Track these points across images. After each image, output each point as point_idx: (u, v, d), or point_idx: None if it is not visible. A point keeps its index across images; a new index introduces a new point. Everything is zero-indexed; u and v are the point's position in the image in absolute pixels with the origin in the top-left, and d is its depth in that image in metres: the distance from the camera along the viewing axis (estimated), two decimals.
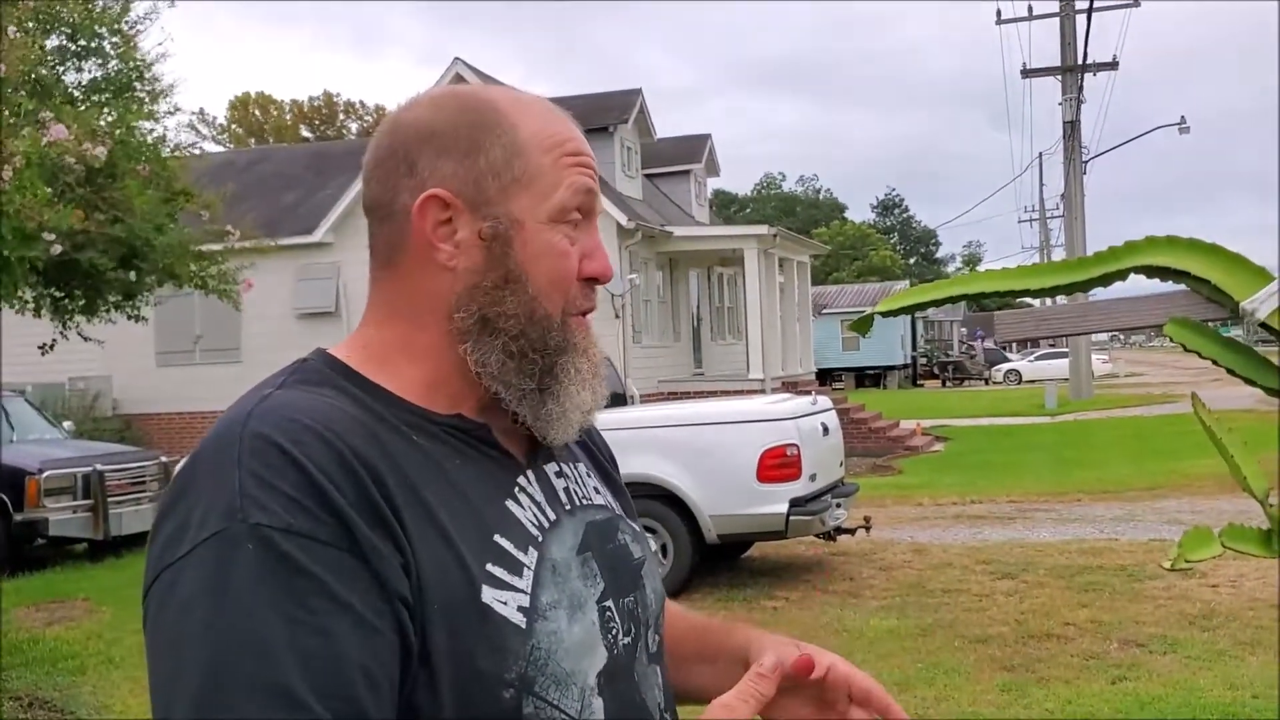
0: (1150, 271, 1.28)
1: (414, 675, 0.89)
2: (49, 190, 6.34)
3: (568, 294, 1.03)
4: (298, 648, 0.83)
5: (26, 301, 7.39)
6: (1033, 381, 40.84)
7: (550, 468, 1.08)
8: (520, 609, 0.94)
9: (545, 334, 1.02)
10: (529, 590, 0.95)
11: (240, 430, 0.91)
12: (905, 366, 46.45)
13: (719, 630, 1.24)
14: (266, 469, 0.88)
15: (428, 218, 1.01)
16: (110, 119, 7.14)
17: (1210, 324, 1.26)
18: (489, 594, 0.93)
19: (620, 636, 1.02)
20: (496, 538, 0.96)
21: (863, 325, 1.51)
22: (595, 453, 1.22)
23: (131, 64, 8.33)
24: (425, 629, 0.89)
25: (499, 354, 1.01)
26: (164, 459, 11.64)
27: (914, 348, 48.04)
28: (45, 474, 10.21)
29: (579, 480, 1.11)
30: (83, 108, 7.45)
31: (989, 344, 51.08)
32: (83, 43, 8.19)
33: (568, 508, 1.06)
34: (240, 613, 0.83)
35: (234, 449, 0.89)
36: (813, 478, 8.13)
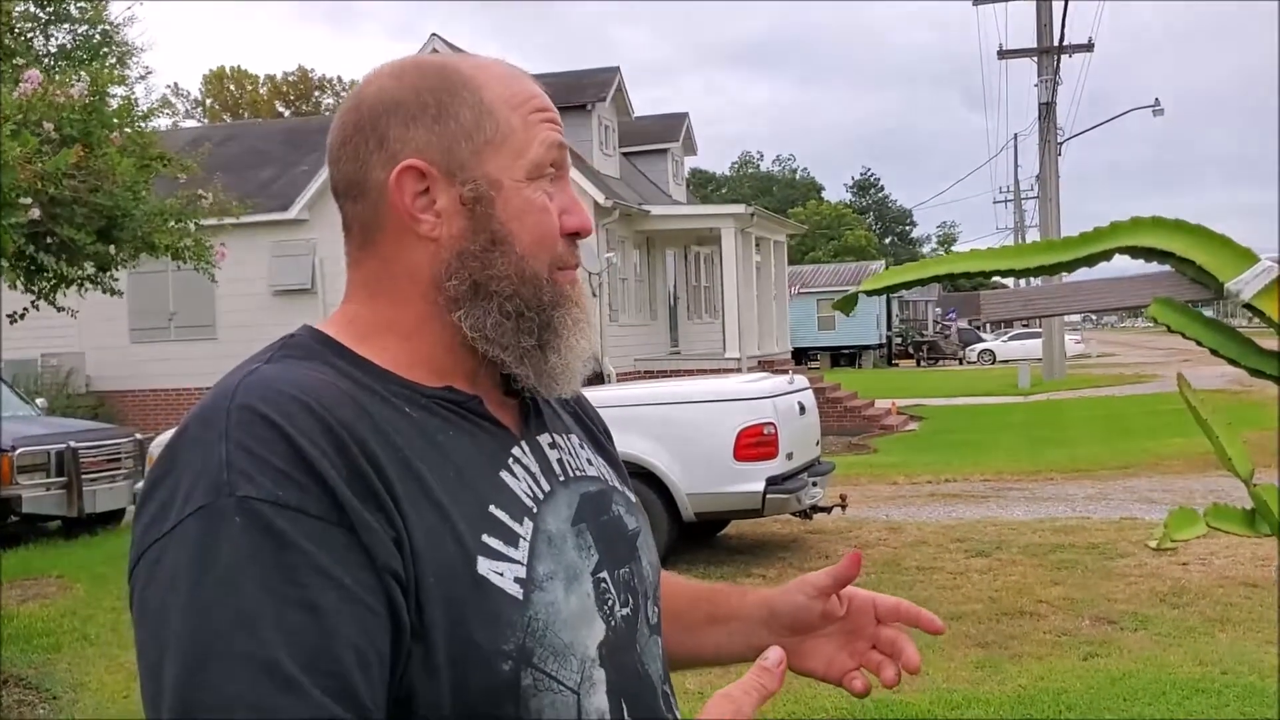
0: (1135, 252, 1.29)
1: (408, 652, 0.87)
2: (36, 140, 6.26)
3: (554, 250, 1.03)
4: (285, 623, 0.81)
5: (2, 269, 7.30)
6: (1006, 361, 41.10)
7: (544, 439, 1.07)
8: (517, 580, 0.93)
9: (538, 291, 1.01)
10: (525, 561, 0.94)
11: (227, 404, 0.89)
12: (880, 346, 46.62)
13: (732, 592, 1.26)
14: (254, 441, 0.86)
15: (405, 190, 0.99)
16: (82, 84, 7.03)
17: (1193, 305, 1.28)
18: (484, 565, 0.91)
19: (618, 608, 1.01)
20: (492, 509, 0.95)
21: (847, 304, 1.51)
22: (589, 425, 1.21)
23: (99, 27, 8.23)
24: (420, 603, 0.88)
25: (495, 316, 1.00)
26: (138, 436, 11.55)
27: (889, 327, 48.20)
28: (18, 451, 10.11)
29: (572, 452, 1.10)
30: (56, 77, 7.35)
31: (963, 324, 51.35)
32: (50, 7, 8.07)
33: (561, 479, 1.05)
34: (226, 587, 0.81)
35: (220, 422, 0.88)
36: (789, 456, 8.16)
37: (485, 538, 0.93)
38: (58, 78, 7.15)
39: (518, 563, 0.94)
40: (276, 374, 0.93)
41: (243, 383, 0.92)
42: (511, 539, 0.95)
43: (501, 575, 0.92)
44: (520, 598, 0.92)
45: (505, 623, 0.91)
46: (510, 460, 1.01)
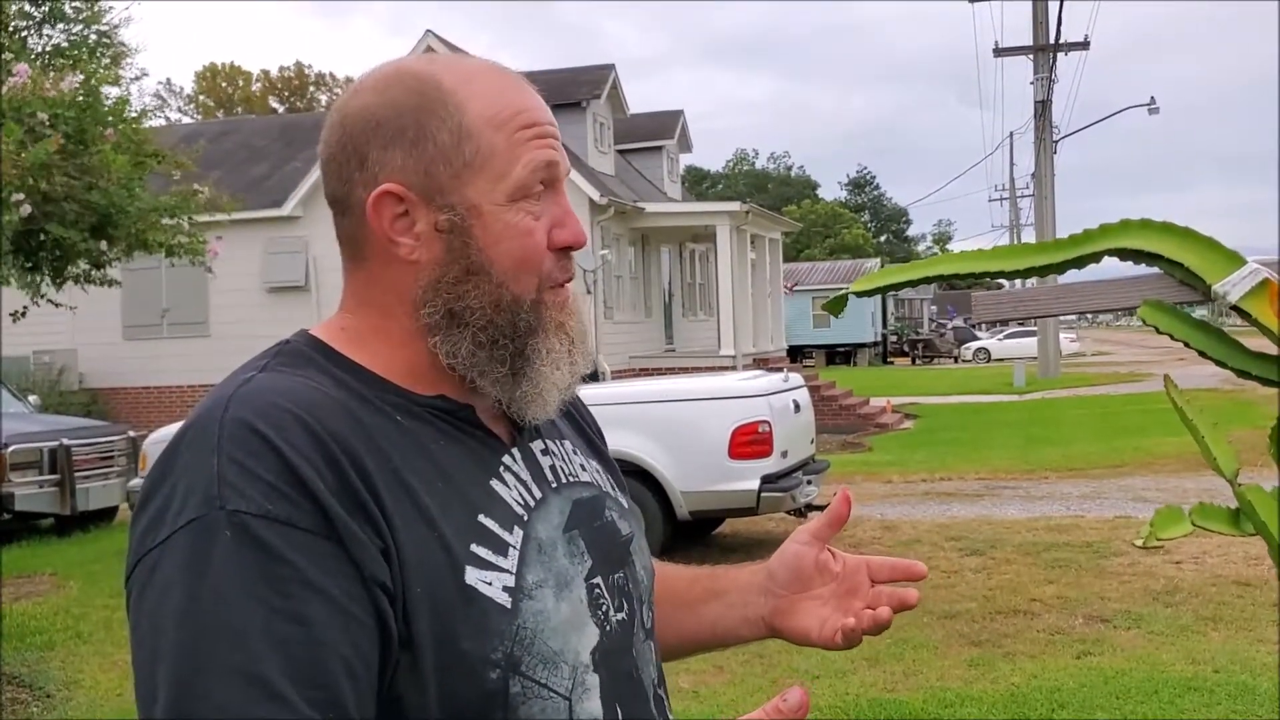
0: (1124, 254, 1.29)
1: (395, 662, 0.88)
2: (20, 128, 6.25)
3: (540, 270, 1.01)
4: (274, 635, 0.82)
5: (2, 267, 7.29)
6: (1001, 360, 41.14)
7: (536, 445, 1.08)
8: (505, 589, 0.94)
9: (515, 318, 1.00)
10: (514, 570, 0.95)
11: (220, 415, 0.90)
12: (876, 344, 46.65)
13: (730, 568, 1.27)
14: (246, 455, 0.87)
15: (383, 214, 0.99)
16: (76, 82, 7.02)
17: (1183, 306, 1.28)
18: (473, 575, 0.92)
19: (612, 613, 1.02)
20: (481, 518, 0.96)
21: (836, 305, 1.51)
22: (584, 427, 1.22)
23: (94, 28, 8.24)
24: (408, 613, 0.89)
25: (468, 345, 0.99)
26: (131, 433, 11.52)
27: (884, 325, 48.24)
28: (10, 448, 10.08)
29: (565, 458, 1.11)
30: (51, 74, 7.36)
31: (958, 322, 51.39)
32: (45, 7, 8.07)
33: (554, 485, 1.05)
34: (216, 600, 0.83)
35: (214, 434, 0.89)
36: (784, 454, 8.17)
37: (474, 547, 0.94)
38: (52, 74, 7.15)
39: (506, 572, 0.95)
40: (270, 384, 0.94)
41: (236, 393, 0.92)
42: (501, 548, 0.96)
43: (490, 585, 0.93)
44: (509, 606, 0.93)
45: (493, 632, 0.92)
46: (501, 469, 1.02)
